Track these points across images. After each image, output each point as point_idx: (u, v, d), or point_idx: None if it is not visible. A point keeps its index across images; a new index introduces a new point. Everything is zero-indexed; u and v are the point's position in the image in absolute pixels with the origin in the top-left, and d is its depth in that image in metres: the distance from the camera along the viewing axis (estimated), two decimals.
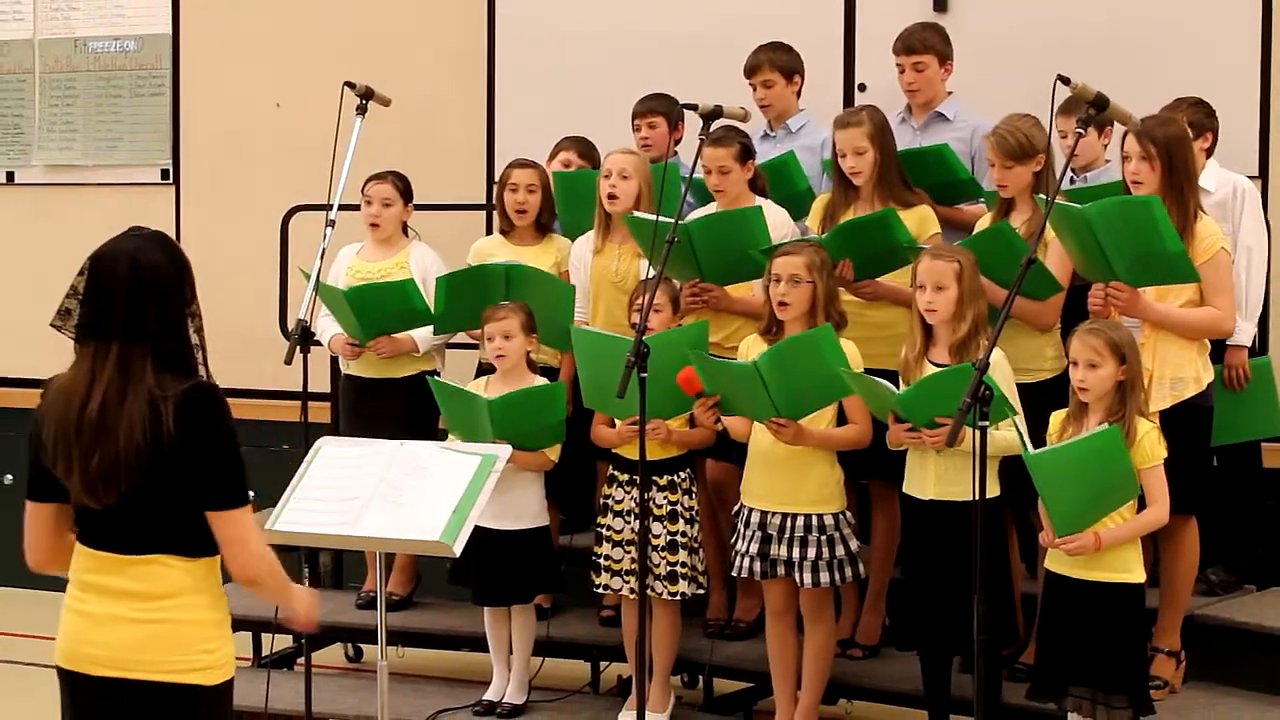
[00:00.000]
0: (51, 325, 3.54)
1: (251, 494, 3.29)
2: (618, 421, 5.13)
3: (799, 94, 5.94)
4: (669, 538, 5.12)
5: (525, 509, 5.27)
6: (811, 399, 4.79)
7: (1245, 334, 5.19)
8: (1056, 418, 4.56)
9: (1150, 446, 4.42)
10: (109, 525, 3.25)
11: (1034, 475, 4.33)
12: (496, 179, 6.16)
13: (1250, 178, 5.51)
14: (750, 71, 5.89)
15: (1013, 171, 4.98)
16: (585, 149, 6.03)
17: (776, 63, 5.85)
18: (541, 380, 5.32)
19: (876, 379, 4.62)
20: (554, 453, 5.26)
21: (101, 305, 3.22)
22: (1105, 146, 5.52)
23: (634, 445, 4.82)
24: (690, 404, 4.97)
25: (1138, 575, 4.44)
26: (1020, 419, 4.50)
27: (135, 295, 3.20)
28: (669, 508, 5.13)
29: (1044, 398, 4.79)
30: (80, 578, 3.31)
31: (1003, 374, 4.56)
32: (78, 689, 3.29)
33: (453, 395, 5.26)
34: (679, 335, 4.97)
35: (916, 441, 4.62)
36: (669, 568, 5.11)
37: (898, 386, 4.72)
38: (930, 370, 4.68)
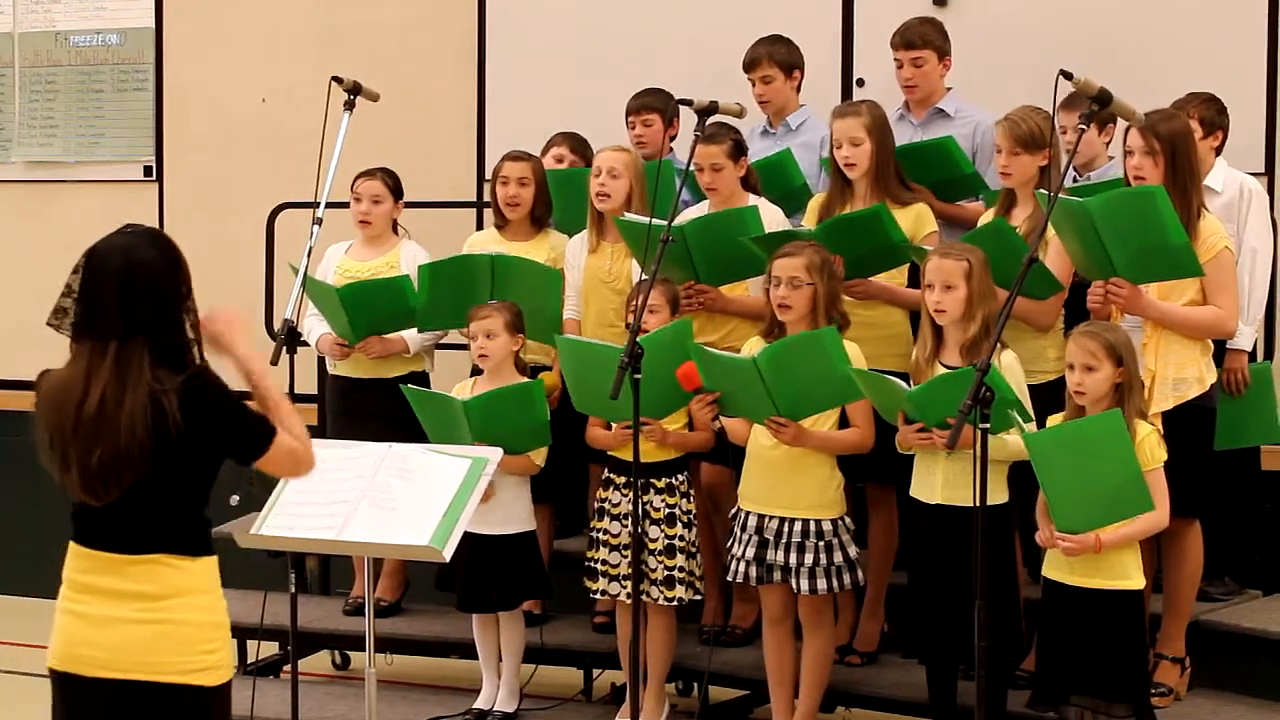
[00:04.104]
0: (48, 324, 3.51)
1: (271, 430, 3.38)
2: (614, 424, 5.05)
3: (799, 89, 5.88)
4: (666, 542, 5.04)
5: (510, 514, 5.18)
6: (813, 400, 4.71)
7: (1246, 338, 5.11)
8: (1053, 422, 4.49)
9: (1150, 449, 4.35)
10: (108, 524, 3.28)
11: (1032, 457, 4.27)
12: (488, 175, 6.08)
13: (1254, 174, 5.44)
14: (749, 66, 5.83)
15: (1019, 159, 4.91)
16: (578, 145, 5.99)
17: (776, 57, 5.79)
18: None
19: (888, 377, 4.54)
20: (539, 456, 5.17)
21: (96, 303, 3.27)
22: (1107, 144, 5.45)
23: (630, 447, 4.73)
24: (684, 403, 4.89)
25: (1137, 582, 4.39)
26: (1032, 426, 4.42)
27: (129, 292, 3.26)
28: (666, 511, 5.05)
29: (1047, 399, 4.71)
30: (76, 579, 3.32)
31: (1015, 378, 4.48)
32: (71, 690, 3.30)
33: (429, 402, 5.17)
34: (662, 335, 4.87)
35: (926, 443, 4.54)
36: (665, 572, 5.04)
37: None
38: (941, 372, 4.59)
